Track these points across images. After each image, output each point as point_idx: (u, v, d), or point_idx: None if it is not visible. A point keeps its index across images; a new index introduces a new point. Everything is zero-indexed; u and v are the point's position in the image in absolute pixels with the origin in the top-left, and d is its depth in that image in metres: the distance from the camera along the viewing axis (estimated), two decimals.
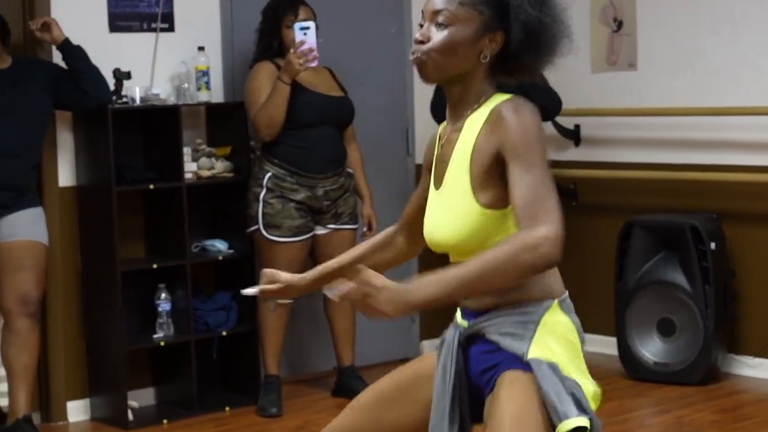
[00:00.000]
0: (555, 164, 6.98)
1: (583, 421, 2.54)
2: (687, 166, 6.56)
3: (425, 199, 2.88)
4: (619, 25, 6.82)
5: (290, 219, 5.78)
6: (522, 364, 2.60)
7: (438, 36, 2.69)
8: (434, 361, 2.87)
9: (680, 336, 6.27)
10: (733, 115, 6.34)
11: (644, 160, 6.75)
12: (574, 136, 7.01)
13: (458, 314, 2.83)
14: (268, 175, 5.85)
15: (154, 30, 6.19)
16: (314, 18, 5.81)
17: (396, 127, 6.93)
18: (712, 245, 6.13)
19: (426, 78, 2.75)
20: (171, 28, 6.24)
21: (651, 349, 6.35)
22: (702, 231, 6.13)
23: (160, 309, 5.94)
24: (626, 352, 6.39)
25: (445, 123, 2.85)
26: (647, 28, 6.73)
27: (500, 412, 2.59)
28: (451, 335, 2.80)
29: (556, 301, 2.66)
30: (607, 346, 6.65)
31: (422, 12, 2.76)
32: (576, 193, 6.94)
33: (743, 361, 6.41)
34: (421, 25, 2.75)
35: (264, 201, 5.85)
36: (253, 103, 5.85)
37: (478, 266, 2.45)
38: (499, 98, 2.68)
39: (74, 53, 5.77)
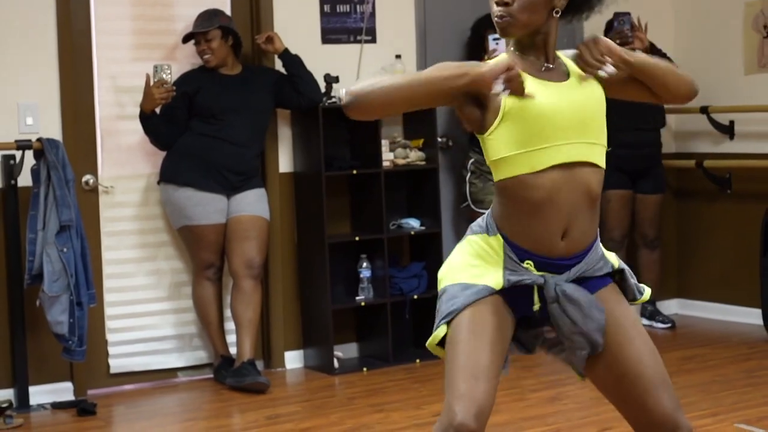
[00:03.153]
0: (711, 156, 7.04)
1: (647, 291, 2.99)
2: None
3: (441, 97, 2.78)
4: None
5: (491, 195, 5.94)
6: (608, 279, 2.90)
7: None
8: (496, 298, 2.77)
9: None
10: None
11: None
12: (728, 131, 6.96)
13: (533, 271, 2.79)
14: (471, 160, 6.16)
15: (359, 42, 6.30)
16: None
17: None
18: None
19: (511, 35, 2.78)
20: (373, 40, 6.36)
21: None
22: None
23: (361, 276, 6.11)
24: None
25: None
26: None
27: (626, 311, 2.88)
28: (558, 292, 2.77)
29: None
30: (752, 316, 6.66)
31: None
32: (731, 182, 6.88)
33: None
34: None
35: (469, 182, 6.16)
36: None
37: (662, 64, 2.86)
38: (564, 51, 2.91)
39: (292, 61, 5.93)
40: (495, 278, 2.78)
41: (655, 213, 6.94)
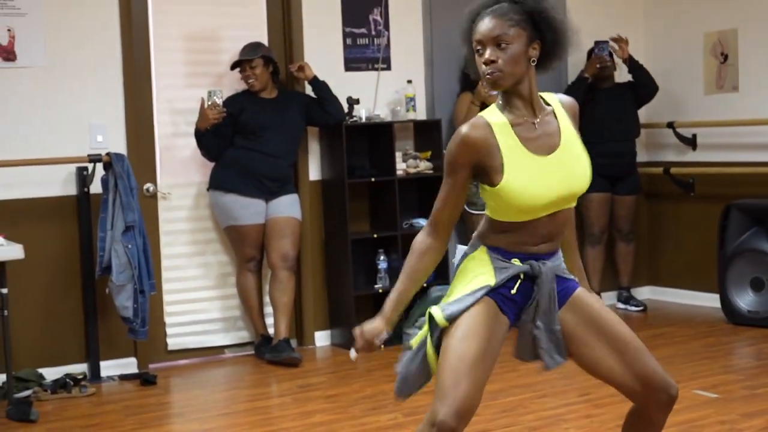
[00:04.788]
0: (677, 164, 7.01)
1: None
2: None
3: (465, 198, 2.75)
4: (725, 57, 6.74)
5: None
6: (575, 283, 2.84)
7: (504, 55, 2.67)
8: (490, 305, 2.70)
9: None
10: None
11: (742, 159, 6.66)
12: (691, 143, 6.96)
13: (513, 263, 2.73)
14: None
15: (376, 69, 6.32)
16: None
17: None
18: None
19: (501, 87, 2.71)
20: (388, 68, 6.37)
21: (745, 300, 6.27)
22: None
23: (379, 267, 6.12)
24: (726, 303, 6.34)
25: (488, 122, 2.69)
26: (747, 60, 6.63)
27: (600, 303, 2.82)
28: (541, 269, 2.72)
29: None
30: (712, 300, 6.65)
31: (479, 41, 2.70)
32: (694, 186, 6.92)
33: None
34: (480, 52, 2.70)
35: None
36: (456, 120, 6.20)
37: None
38: (551, 94, 2.82)
39: (321, 86, 5.96)
40: (488, 278, 2.71)
41: (631, 212, 6.95)
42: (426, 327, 2.76)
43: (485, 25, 2.70)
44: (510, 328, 2.78)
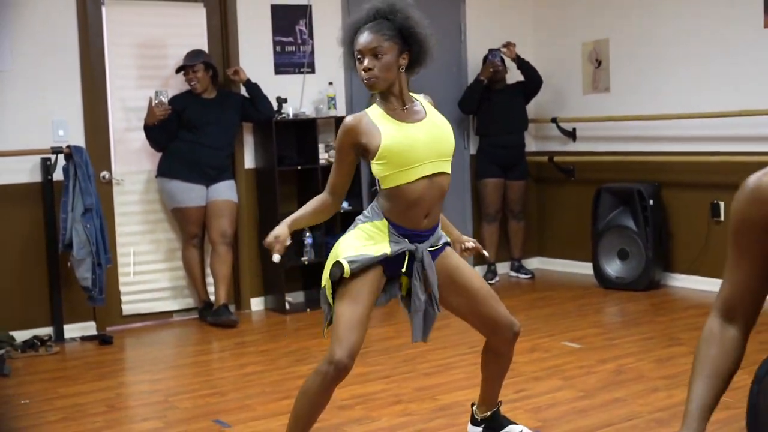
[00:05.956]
0: (560, 153, 7.20)
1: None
2: (639, 152, 6.68)
3: (353, 172, 2.99)
4: (599, 63, 6.93)
5: None
6: (445, 245, 3.13)
7: (379, 63, 2.88)
8: (379, 271, 2.93)
9: (632, 260, 6.42)
10: (669, 119, 6.42)
11: (613, 149, 6.87)
12: (572, 135, 7.19)
13: (405, 241, 2.95)
14: None
15: (302, 72, 6.35)
16: None
17: (455, 136, 6.95)
18: (651, 202, 6.28)
19: (377, 89, 2.91)
20: (313, 71, 6.40)
21: (613, 268, 6.53)
22: (645, 193, 6.28)
23: (306, 242, 6.18)
24: (598, 271, 6.60)
25: (365, 112, 2.95)
26: (617, 65, 6.82)
27: (460, 261, 3.10)
28: (422, 254, 2.96)
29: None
30: (586, 267, 6.91)
31: (360, 51, 2.89)
32: (573, 172, 7.13)
33: (672, 276, 6.52)
34: (360, 60, 2.90)
35: None
36: None
37: None
38: (417, 94, 3.07)
39: (253, 87, 6.00)
40: (385, 248, 2.93)
41: (521, 194, 7.10)
42: (326, 269, 2.99)
43: (364, 38, 2.89)
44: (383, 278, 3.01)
